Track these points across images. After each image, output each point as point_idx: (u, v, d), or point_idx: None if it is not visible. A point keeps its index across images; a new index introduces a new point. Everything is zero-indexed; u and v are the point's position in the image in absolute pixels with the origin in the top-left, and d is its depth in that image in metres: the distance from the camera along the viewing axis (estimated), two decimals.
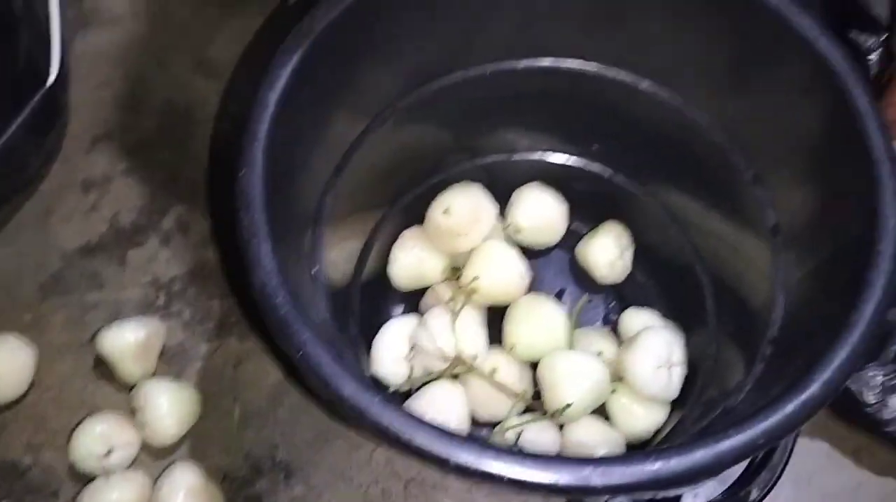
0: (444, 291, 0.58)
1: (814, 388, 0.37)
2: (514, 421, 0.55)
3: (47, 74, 0.60)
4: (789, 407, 0.37)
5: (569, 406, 0.53)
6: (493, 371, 0.55)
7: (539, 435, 0.54)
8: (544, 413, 0.54)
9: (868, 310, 0.39)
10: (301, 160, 0.46)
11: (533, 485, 0.35)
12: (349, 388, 0.36)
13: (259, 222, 0.39)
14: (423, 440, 0.35)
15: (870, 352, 0.39)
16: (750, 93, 0.50)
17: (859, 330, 0.38)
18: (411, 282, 0.60)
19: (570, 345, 0.57)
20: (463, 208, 0.58)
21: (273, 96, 0.42)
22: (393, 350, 0.56)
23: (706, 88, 0.51)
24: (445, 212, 0.58)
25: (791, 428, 0.36)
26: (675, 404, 0.56)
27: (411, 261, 0.59)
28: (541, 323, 0.57)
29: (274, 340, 0.38)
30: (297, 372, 0.38)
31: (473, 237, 0.58)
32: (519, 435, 0.54)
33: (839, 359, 0.38)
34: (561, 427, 0.55)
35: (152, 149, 0.67)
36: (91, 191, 0.65)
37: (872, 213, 0.41)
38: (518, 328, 0.57)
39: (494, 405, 0.56)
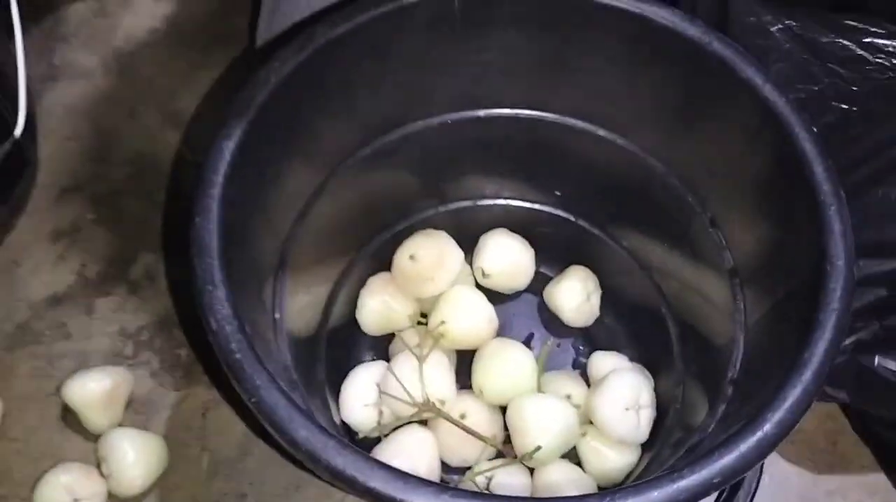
0: (412, 337, 0.58)
1: (767, 428, 0.37)
2: (485, 465, 0.54)
3: (14, 127, 0.60)
4: (743, 446, 0.37)
5: (539, 449, 0.52)
6: (463, 416, 0.55)
7: (510, 479, 0.54)
8: (514, 457, 0.54)
9: (819, 349, 0.39)
10: (259, 209, 0.46)
11: None
12: (304, 432, 0.36)
13: (213, 269, 0.39)
14: (378, 483, 0.35)
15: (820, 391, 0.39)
16: (701, 139, 0.51)
17: (811, 369, 0.39)
18: (379, 328, 0.60)
19: (539, 388, 0.58)
20: (428, 254, 0.58)
21: (228, 145, 0.43)
22: (361, 396, 0.56)
23: (659, 135, 0.53)
24: (411, 257, 0.58)
25: (746, 466, 0.37)
26: (646, 446, 0.56)
27: (379, 306, 0.59)
28: (509, 367, 0.57)
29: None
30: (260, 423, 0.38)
31: (440, 282, 0.58)
32: (489, 479, 0.54)
33: (792, 397, 0.38)
34: (532, 471, 0.55)
35: (121, 199, 0.68)
36: (59, 242, 0.66)
37: (822, 255, 0.41)
38: (486, 372, 0.57)
39: (465, 450, 0.55)
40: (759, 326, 0.47)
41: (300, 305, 0.52)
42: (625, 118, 0.53)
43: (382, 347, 0.60)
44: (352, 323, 0.59)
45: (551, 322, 0.63)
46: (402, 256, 0.59)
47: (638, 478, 0.54)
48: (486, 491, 0.53)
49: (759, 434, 0.37)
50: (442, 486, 0.35)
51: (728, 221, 0.51)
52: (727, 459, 0.36)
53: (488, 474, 0.54)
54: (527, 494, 0.54)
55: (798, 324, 0.41)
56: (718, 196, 0.51)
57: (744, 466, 0.37)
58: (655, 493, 0.35)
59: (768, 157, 0.46)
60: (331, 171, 0.52)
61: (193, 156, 0.70)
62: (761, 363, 0.45)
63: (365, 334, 0.60)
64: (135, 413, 0.59)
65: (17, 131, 0.61)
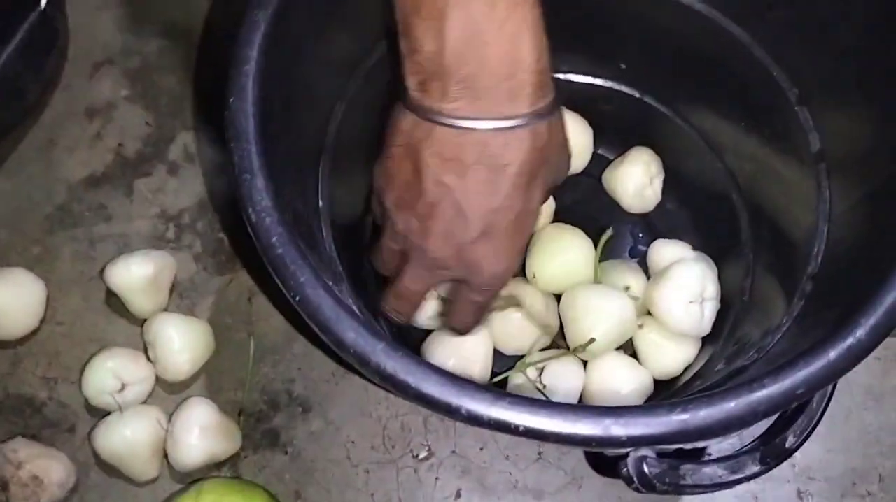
0: None
1: (860, 333, 0.34)
2: (536, 356, 0.53)
3: None
4: (832, 354, 0.33)
5: (592, 341, 0.50)
6: (516, 303, 0.53)
7: (562, 371, 0.52)
8: (567, 348, 0.52)
9: None
10: (298, 85, 0.42)
11: (549, 435, 0.32)
12: (352, 333, 0.34)
13: (251, 155, 0.36)
14: (432, 388, 0.33)
15: None
16: (796, 7, 0.45)
17: None
18: None
19: (596, 278, 0.55)
20: None
21: (263, 14, 0.39)
22: None
23: (747, 3, 0.47)
24: None
25: (833, 376, 0.33)
26: (706, 340, 0.53)
27: None
28: (566, 254, 0.55)
29: None
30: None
31: None
32: (541, 370, 0.52)
33: (888, 300, 0.34)
34: (585, 363, 0.53)
35: (155, 73, 0.64)
36: (95, 119, 0.63)
37: None
38: (542, 258, 0.54)
39: (518, 339, 0.54)
40: (847, 218, 0.43)
41: (343, 190, 0.49)
42: None
43: None
44: None
45: (609, 207, 0.60)
46: None
47: (698, 374, 0.51)
48: (540, 387, 0.51)
49: (851, 340, 0.34)
50: (498, 392, 0.33)
51: (820, 99, 0.46)
52: (814, 368, 0.33)
53: (540, 365, 0.52)
54: (579, 387, 0.52)
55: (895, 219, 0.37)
56: (811, 70, 0.45)
57: (831, 376, 0.33)
58: (732, 404, 0.32)
59: (870, 17, 0.41)
60: (376, 40, 0.48)
61: (230, 27, 0.65)
62: (848, 259, 0.41)
63: None
64: (179, 297, 0.58)
65: (44, 1, 0.57)
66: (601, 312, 0.51)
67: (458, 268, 0.43)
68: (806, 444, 0.52)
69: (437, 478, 0.54)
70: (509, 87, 0.38)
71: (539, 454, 0.54)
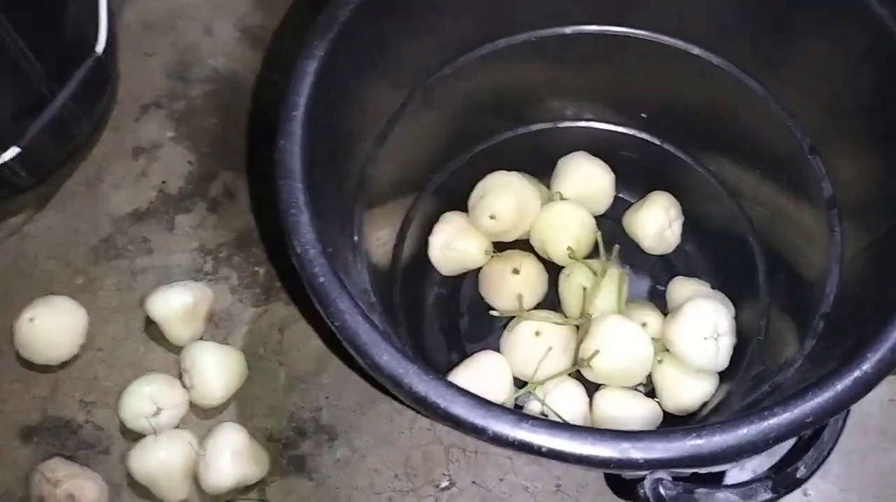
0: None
1: (866, 367, 0.36)
2: (542, 377, 0.54)
3: (96, 42, 0.60)
4: (839, 386, 0.35)
5: (597, 352, 0.52)
6: (538, 333, 0.55)
7: (565, 395, 0.53)
8: (574, 363, 0.54)
9: None
10: (341, 130, 0.46)
11: (570, 456, 0.34)
12: (386, 357, 0.36)
13: (297, 192, 0.39)
14: (460, 409, 0.35)
15: None
16: (805, 59, 0.48)
17: None
18: (451, 269, 0.60)
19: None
20: (508, 210, 0.57)
21: (312, 66, 0.42)
22: None
23: (758, 54, 0.50)
24: (492, 217, 0.57)
25: (840, 407, 0.35)
26: (724, 377, 0.55)
27: (453, 254, 0.59)
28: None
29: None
30: (337, 340, 0.38)
31: (522, 228, 0.58)
32: (545, 394, 0.54)
33: (894, 337, 0.36)
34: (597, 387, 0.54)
35: (199, 116, 0.68)
36: (140, 158, 0.66)
37: None
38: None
39: (540, 366, 0.55)
40: (858, 260, 0.45)
41: (378, 227, 0.52)
42: (721, 35, 0.50)
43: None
44: (426, 246, 0.59)
45: (630, 249, 0.62)
46: (482, 215, 0.58)
47: (715, 410, 0.53)
48: (547, 411, 0.52)
49: (857, 373, 0.35)
50: (522, 414, 0.35)
51: (829, 149, 0.48)
52: (822, 398, 0.35)
53: (548, 387, 0.53)
54: (581, 410, 0.53)
55: None
56: (821, 121, 0.48)
57: (839, 406, 0.35)
58: (745, 430, 0.34)
59: (880, 81, 0.43)
60: (412, 91, 0.51)
61: (270, 74, 0.69)
62: (858, 299, 0.43)
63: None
64: (215, 327, 0.60)
65: (99, 48, 0.61)
66: (611, 332, 0.53)
67: None
68: (822, 484, 0.54)
69: None
70: None
71: (557, 487, 0.55)
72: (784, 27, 0.47)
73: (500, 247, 0.60)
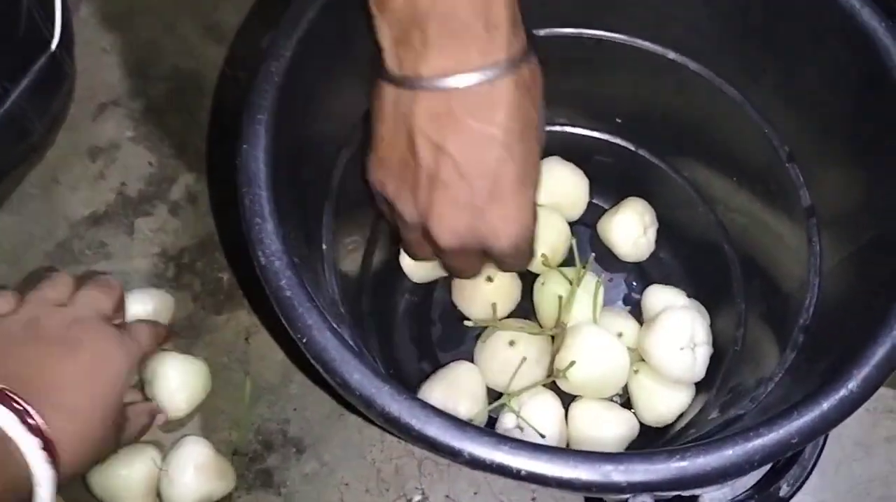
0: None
1: (852, 385, 0.35)
2: (517, 389, 0.53)
3: (51, 38, 0.58)
4: (825, 405, 0.34)
5: (573, 364, 0.51)
6: (512, 342, 0.54)
7: (539, 407, 0.52)
8: (549, 374, 0.53)
9: None
10: (308, 134, 0.44)
11: (551, 480, 0.33)
12: (357, 375, 0.34)
13: (262, 201, 0.37)
14: (435, 431, 0.34)
15: None
16: (784, 66, 0.47)
17: None
18: (422, 277, 0.58)
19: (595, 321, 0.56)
20: None
21: (277, 67, 0.40)
22: None
23: (737, 60, 0.49)
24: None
25: (827, 427, 0.34)
26: (700, 387, 0.54)
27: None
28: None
29: None
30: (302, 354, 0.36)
31: None
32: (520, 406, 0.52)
33: (879, 354, 0.35)
34: (572, 399, 0.53)
35: (160, 116, 0.65)
36: (98, 159, 0.64)
37: None
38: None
39: (513, 376, 0.54)
40: (838, 272, 0.44)
41: (348, 234, 0.50)
42: (699, 40, 0.49)
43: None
44: (397, 253, 0.57)
45: (604, 256, 0.61)
46: None
47: (692, 421, 0.52)
48: (523, 423, 0.51)
49: (844, 392, 0.35)
50: (500, 436, 0.34)
51: (808, 157, 0.47)
52: (807, 418, 0.34)
53: (521, 400, 0.52)
54: (556, 421, 0.52)
55: (885, 273, 0.38)
56: (800, 129, 0.47)
57: (825, 426, 0.34)
58: (730, 451, 0.33)
59: (860, 88, 0.42)
60: None
61: (234, 72, 0.67)
62: (839, 312, 0.43)
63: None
64: (177, 336, 0.58)
65: (54, 43, 0.58)
66: (585, 342, 0.52)
67: (476, 239, 0.42)
68: (798, 495, 0.53)
69: None
70: (486, 22, 0.37)
71: (533, 500, 0.54)
72: (764, 34, 0.46)
73: None
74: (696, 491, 0.37)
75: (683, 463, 0.33)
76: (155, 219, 0.62)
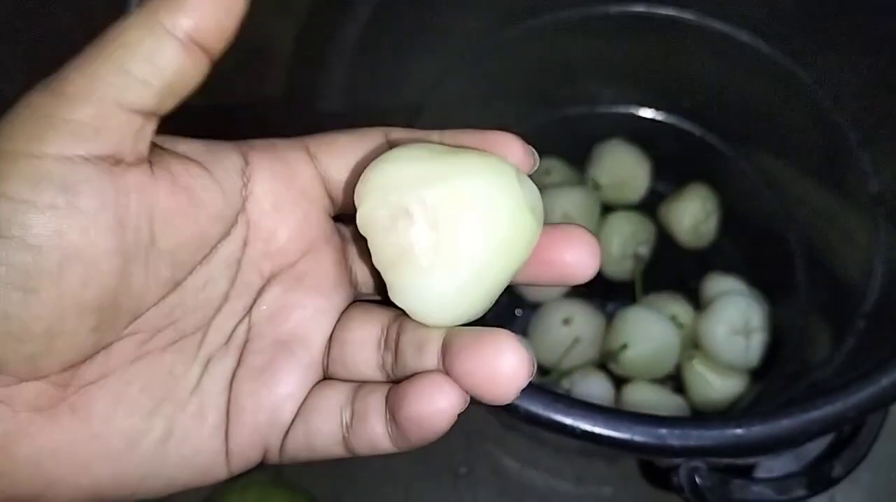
0: None
1: None
2: (568, 366, 0.53)
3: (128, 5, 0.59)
4: (884, 381, 0.34)
5: (624, 347, 0.51)
6: (567, 320, 0.54)
7: (590, 387, 0.52)
8: (601, 355, 0.53)
9: None
10: (377, 102, 0.44)
11: (605, 439, 0.33)
12: None
13: None
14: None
15: None
16: (858, 49, 0.46)
17: None
18: None
19: (638, 297, 0.56)
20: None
21: (353, 31, 0.41)
22: None
23: (810, 43, 0.48)
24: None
25: (883, 402, 0.34)
26: (756, 377, 0.53)
27: None
28: None
29: None
30: None
31: None
32: (571, 385, 0.53)
33: None
34: (623, 381, 0.53)
35: (228, 85, 0.67)
36: (165, 127, 0.65)
37: None
38: None
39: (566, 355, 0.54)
40: None
41: None
42: (774, 20, 0.48)
43: None
44: None
45: (664, 241, 0.60)
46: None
47: (748, 408, 0.51)
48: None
49: None
50: (558, 394, 0.34)
51: (879, 144, 0.46)
52: (865, 392, 0.34)
53: (574, 378, 0.52)
54: (608, 403, 0.52)
55: None
56: (873, 114, 0.46)
57: (882, 402, 0.34)
58: (786, 421, 0.33)
59: None
60: (451, 63, 0.50)
61: (303, 44, 0.68)
62: None
63: None
64: None
65: (133, 5, 0.60)
66: (638, 326, 0.52)
67: None
68: (850, 489, 0.52)
69: (475, 496, 0.54)
70: None
71: (578, 479, 0.54)
72: (841, 14, 0.46)
73: None
74: (751, 461, 0.37)
75: (739, 431, 0.33)
76: None
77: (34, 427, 0.20)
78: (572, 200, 0.56)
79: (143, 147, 0.20)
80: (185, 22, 0.19)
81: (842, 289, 0.48)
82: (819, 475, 0.37)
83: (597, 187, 0.59)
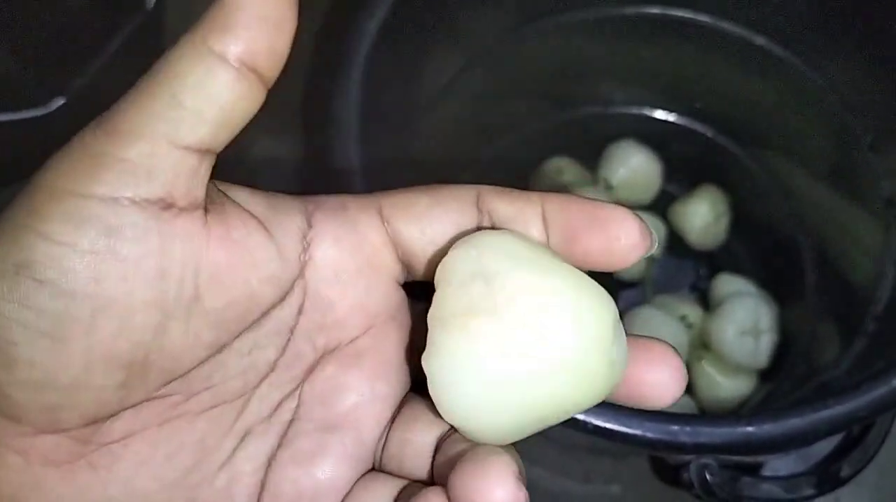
0: None
1: None
2: None
3: None
4: (894, 382, 0.34)
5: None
6: None
7: None
8: None
9: None
10: (394, 97, 0.45)
11: (617, 435, 0.33)
12: None
13: (352, 152, 0.38)
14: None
15: None
16: (873, 53, 0.46)
17: None
18: None
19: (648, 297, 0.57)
20: None
21: (372, 26, 0.41)
22: None
23: (825, 47, 0.48)
24: None
25: (894, 403, 0.34)
26: (765, 378, 0.54)
27: None
28: None
29: None
30: None
31: None
32: None
33: None
34: None
35: None
36: None
37: None
38: None
39: None
40: None
41: None
42: (787, 24, 0.49)
43: None
44: None
45: (674, 242, 0.60)
46: None
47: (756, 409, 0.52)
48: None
49: None
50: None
51: (891, 147, 0.46)
52: (877, 393, 0.34)
53: None
54: None
55: None
56: (885, 117, 0.47)
57: (893, 401, 0.34)
58: (796, 420, 0.33)
59: None
60: (466, 62, 0.50)
61: (322, 38, 0.68)
62: None
63: None
64: None
65: (150, 4, 0.61)
66: (652, 330, 0.52)
67: None
68: (856, 490, 0.53)
69: None
70: None
71: (586, 478, 0.55)
72: (855, 17, 0.46)
73: None
74: (760, 459, 0.37)
75: (750, 429, 0.33)
76: (234, 182, 0.63)
77: (48, 482, 0.18)
78: None
79: (198, 191, 0.19)
80: (235, 46, 0.18)
81: (852, 290, 0.48)
82: (828, 476, 0.37)
83: (608, 187, 0.59)
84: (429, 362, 0.19)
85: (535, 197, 0.20)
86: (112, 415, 0.19)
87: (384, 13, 0.42)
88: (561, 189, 0.56)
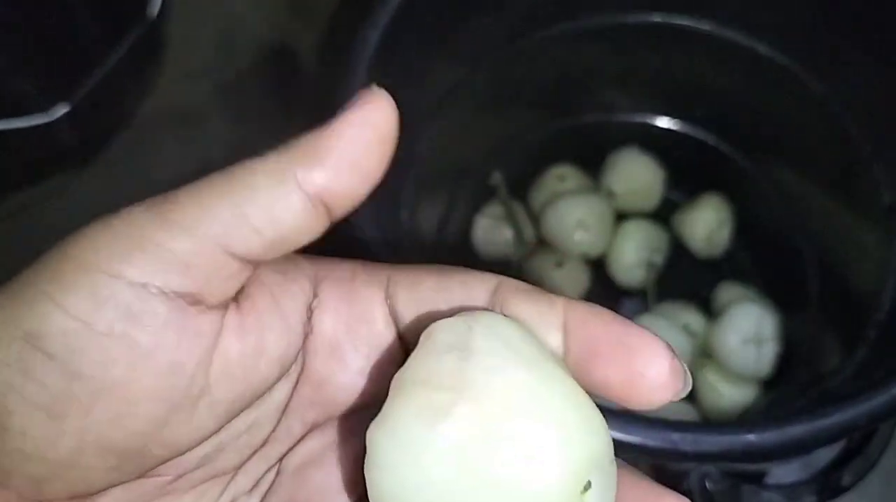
0: None
1: None
2: None
3: (149, 6, 0.60)
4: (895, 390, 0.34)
5: None
6: None
7: None
8: None
9: None
10: (397, 104, 0.45)
11: (619, 443, 0.33)
12: None
13: None
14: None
15: None
16: (875, 61, 0.47)
17: None
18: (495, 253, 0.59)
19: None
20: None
21: (374, 34, 0.41)
22: None
23: (828, 55, 0.48)
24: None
25: (894, 411, 0.34)
26: (768, 386, 0.53)
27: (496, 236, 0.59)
28: None
29: None
30: None
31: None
32: None
33: None
34: None
35: (246, 88, 0.67)
36: (186, 128, 0.66)
37: None
38: None
39: None
40: None
41: (424, 208, 0.51)
42: (790, 32, 0.49)
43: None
44: (468, 232, 0.59)
45: (677, 251, 0.60)
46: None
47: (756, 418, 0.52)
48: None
49: None
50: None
51: (893, 156, 0.46)
52: (877, 401, 0.34)
53: None
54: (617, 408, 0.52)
55: None
56: (886, 125, 0.47)
57: (894, 410, 0.34)
58: (798, 427, 0.33)
59: None
60: (468, 70, 0.50)
61: (322, 47, 0.69)
62: None
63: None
64: None
65: (153, 12, 0.61)
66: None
67: None
68: (859, 498, 0.52)
69: None
70: None
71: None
72: (857, 25, 0.46)
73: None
74: (762, 467, 0.37)
75: (751, 437, 0.33)
76: None
77: None
78: (587, 207, 0.56)
79: (231, 292, 0.18)
80: (318, 178, 0.18)
81: (854, 299, 0.48)
82: (829, 484, 0.37)
83: (611, 195, 0.59)
84: (371, 430, 0.17)
85: (559, 302, 0.18)
86: (100, 491, 0.18)
87: (386, 22, 0.42)
88: (562, 195, 0.57)
